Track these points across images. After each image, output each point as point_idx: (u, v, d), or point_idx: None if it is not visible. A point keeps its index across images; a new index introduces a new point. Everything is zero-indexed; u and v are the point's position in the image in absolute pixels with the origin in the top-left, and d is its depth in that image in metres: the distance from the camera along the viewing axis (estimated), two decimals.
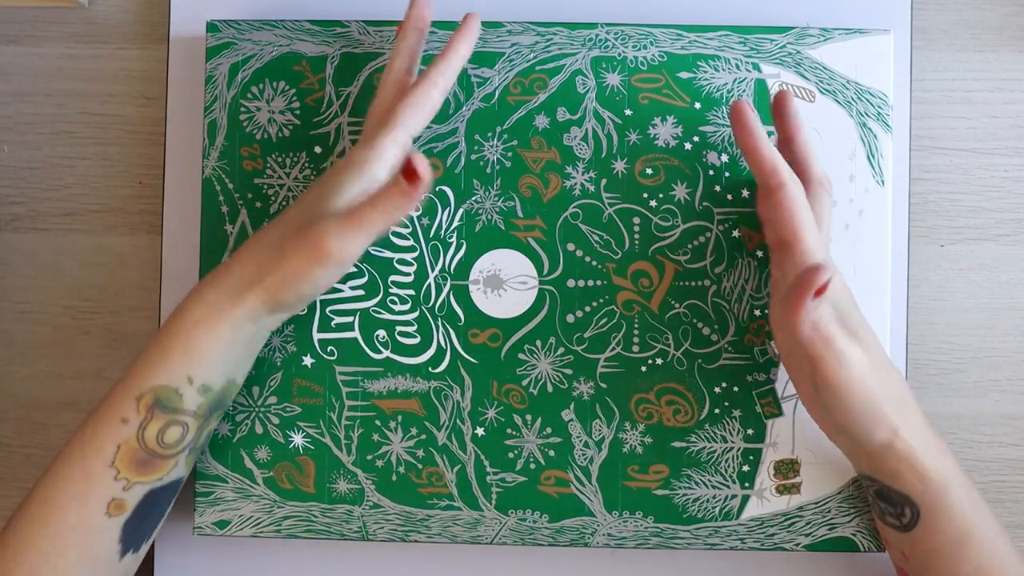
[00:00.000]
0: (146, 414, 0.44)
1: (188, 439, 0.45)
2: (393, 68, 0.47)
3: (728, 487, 0.50)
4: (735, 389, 0.50)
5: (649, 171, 0.50)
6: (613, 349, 0.50)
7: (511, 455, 0.50)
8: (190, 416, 0.45)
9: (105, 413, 0.44)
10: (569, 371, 0.50)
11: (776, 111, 0.48)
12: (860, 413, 0.43)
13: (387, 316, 0.51)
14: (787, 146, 0.48)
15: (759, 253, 0.50)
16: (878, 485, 0.46)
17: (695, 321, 0.50)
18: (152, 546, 0.53)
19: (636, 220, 0.50)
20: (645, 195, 0.50)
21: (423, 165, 0.41)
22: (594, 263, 0.50)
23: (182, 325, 0.44)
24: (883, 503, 0.46)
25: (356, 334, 0.51)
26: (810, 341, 0.42)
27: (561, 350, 0.50)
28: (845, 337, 0.43)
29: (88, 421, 0.45)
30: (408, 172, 0.41)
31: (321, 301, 0.51)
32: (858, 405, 0.43)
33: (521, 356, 0.50)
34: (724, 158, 0.50)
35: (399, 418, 0.50)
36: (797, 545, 0.50)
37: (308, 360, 0.50)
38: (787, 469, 0.50)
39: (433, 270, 0.51)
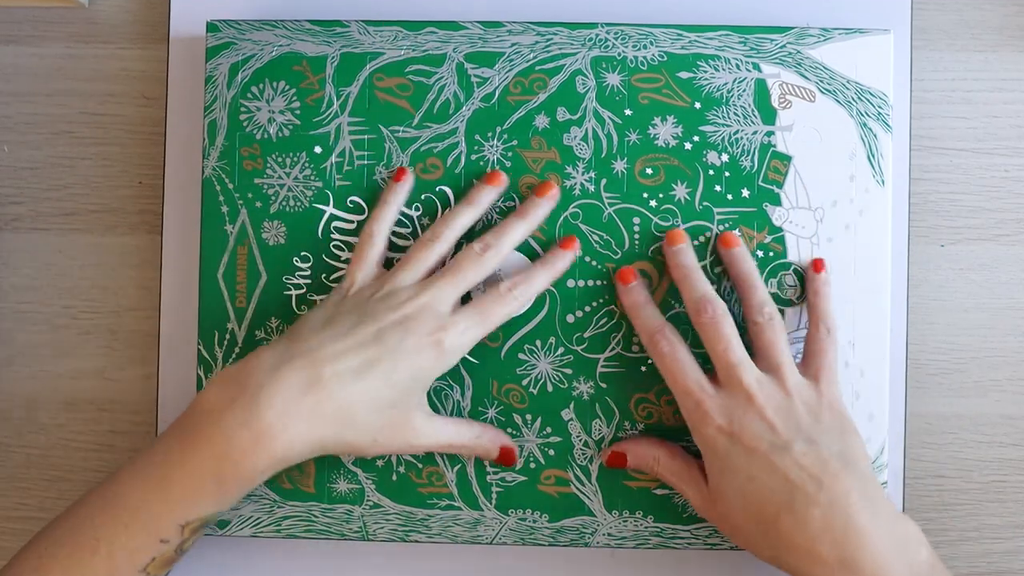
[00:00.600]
0: (190, 535, 0.45)
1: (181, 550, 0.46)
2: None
3: None
4: None
5: (649, 171, 0.50)
6: (613, 349, 0.50)
7: None
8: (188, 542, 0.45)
9: (141, 530, 0.43)
10: (569, 371, 0.50)
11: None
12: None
13: None
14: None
15: (759, 253, 0.50)
16: None
17: None
18: None
19: (636, 220, 0.50)
20: (645, 195, 0.50)
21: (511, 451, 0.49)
22: (594, 263, 0.50)
23: (248, 453, 0.43)
24: None
25: None
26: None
27: (561, 350, 0.50)
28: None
29: (116, 524, 0.43)
30: (505, 457, 0.49)
31: (321, 301, 0.50)
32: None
33: (521, 356, 0.50)
34: (724, 158, 0.50)
35: None
36: None
37: None
38: None
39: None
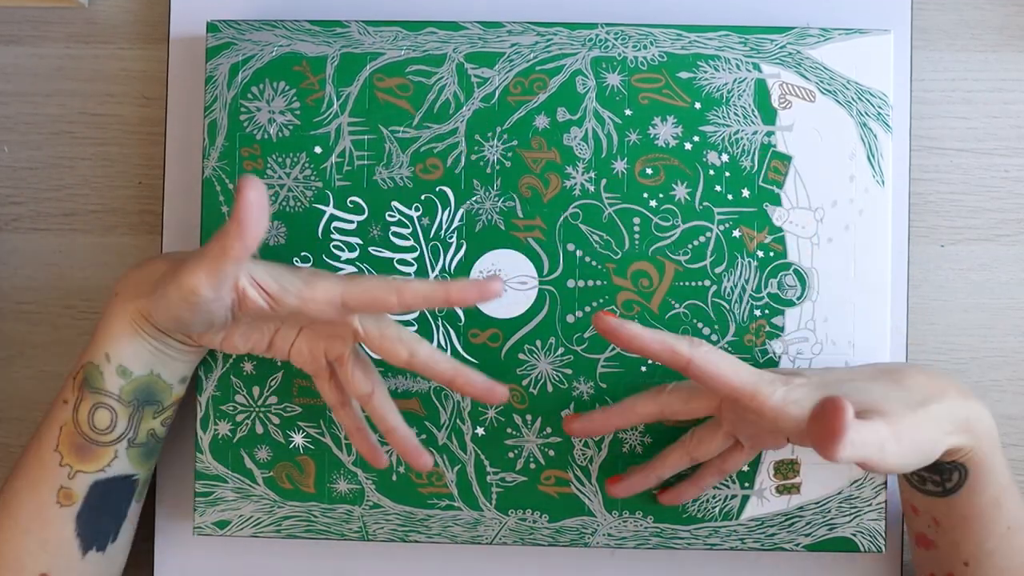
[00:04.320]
0: (78, 393, 0.45)
1: (120, 427, 0.46)
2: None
3: (728, 487, 0.50)
4: None
5: (649, 171, 0.50)
6: (613, 349, 0.50)
7: (511, 455, 0.50)
8: (114, 399, 0.45)
9: (56, 397, 0.46)
10: (569, 371, 0.50)
11: (610, 336, 0.43)
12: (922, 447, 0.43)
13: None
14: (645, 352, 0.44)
15: (759, 253, 0.50)
16: None
17: (695, 321, 0.50)
18: (152, 546, 0.53)
19: (636, 220, 0.50)
20: (645, 195, 0.50)
21: (252, 187, 0.39)
22: (594, 263, 0.50)
23: (105, 303, 0.46)
24: (927, 471, 0.46)
25: None
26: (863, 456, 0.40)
27: (561, 350, 0.50)
28: (880, 430, 0.40)
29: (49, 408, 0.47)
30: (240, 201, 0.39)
31: None
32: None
33: (521, 356, 0.50)
34: (724, 158, 0.50)
35: None
36: (797, 545, 0.50)
37: None
38: (787, 469, 0.50)
39: (433, 270, 0.51)
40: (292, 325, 0.46)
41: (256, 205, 0.39)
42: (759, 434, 0.46)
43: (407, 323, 0.50)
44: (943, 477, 0.45)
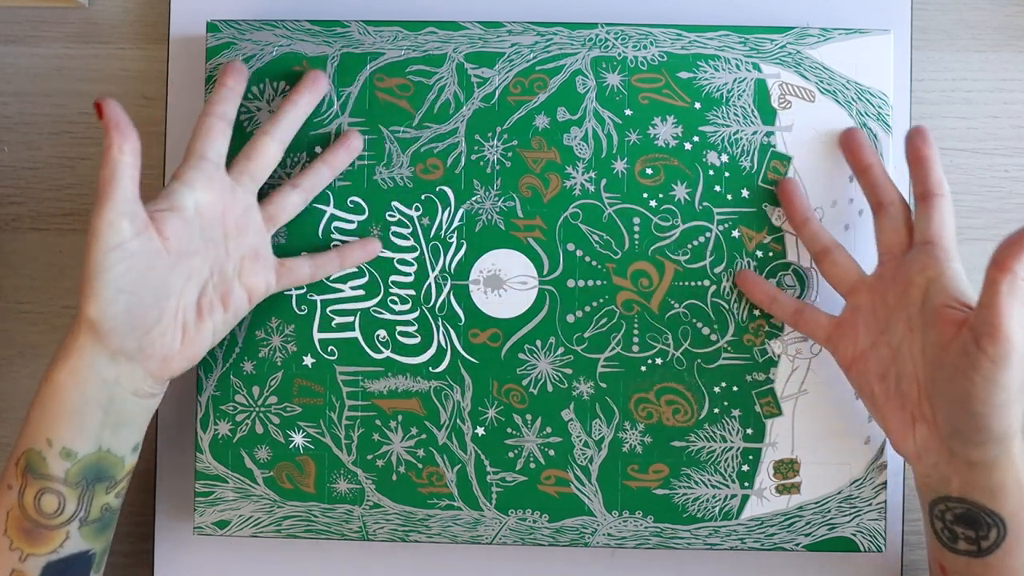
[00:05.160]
0: (21, 480, 0.43)
1: (69, 509, 0.43)
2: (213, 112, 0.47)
3: (728, 487, 0.50)
4: (734, 389, 0.50)
5: (649, 171, 0.50)
6: (613, 349, 0.50)
7: (511, 455, 0.50)
8: (60, 483, 0.43)
9: (0, 480, 0.44)
10: (569, 371, 0.50)
11: (849, 147, 0.49)
12: (998, 405, 0.40)
13: (387, 316, 0.51)
14: (867, 173, 0.49)
15: (758, 253, 0.50)
16: (965, 506, 0.43)
17: (695, 321, 0.50)
18: (152, 546, 0.53)
19: (636, 220, 0.50)
20: (645, 195, 0.50)
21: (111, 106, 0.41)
22: (594, 263, 0.50)
23: (41, 382, 0.43)
24: (962, 527, 0.43)
25: (357, 334, 0.51)
26: (1008, 291, 0.38)
27: (561, 350, 0.50)
28: None
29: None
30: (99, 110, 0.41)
31: (321, 301, 0.51)
32: (1002, 391, 0.40)
33: (521, 356, 0.50)
34: (724, 158, 0.50)
35: (399, 418, 0.50)
36: (797, 545, 0.50)
37: (309, 360, 0.50)
38: (787, 469, 0.50)
39: (433, 270, 0.51)
40: (220, 268, 0.46)
41: (116, 108, 0.40)
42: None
43: (408, 322, 0.50)
44: (979, 534, 0.43)
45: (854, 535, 0.50)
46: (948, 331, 0.42)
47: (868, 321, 0.46)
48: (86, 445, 0.43)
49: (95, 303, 0.42)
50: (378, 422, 0.50)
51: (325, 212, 0.51)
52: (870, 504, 0.50)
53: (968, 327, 0.41)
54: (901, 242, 0.46)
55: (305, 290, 0.51)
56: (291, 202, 0.49)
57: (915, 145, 0.47)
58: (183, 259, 0.44)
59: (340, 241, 0.51)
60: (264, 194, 0.49)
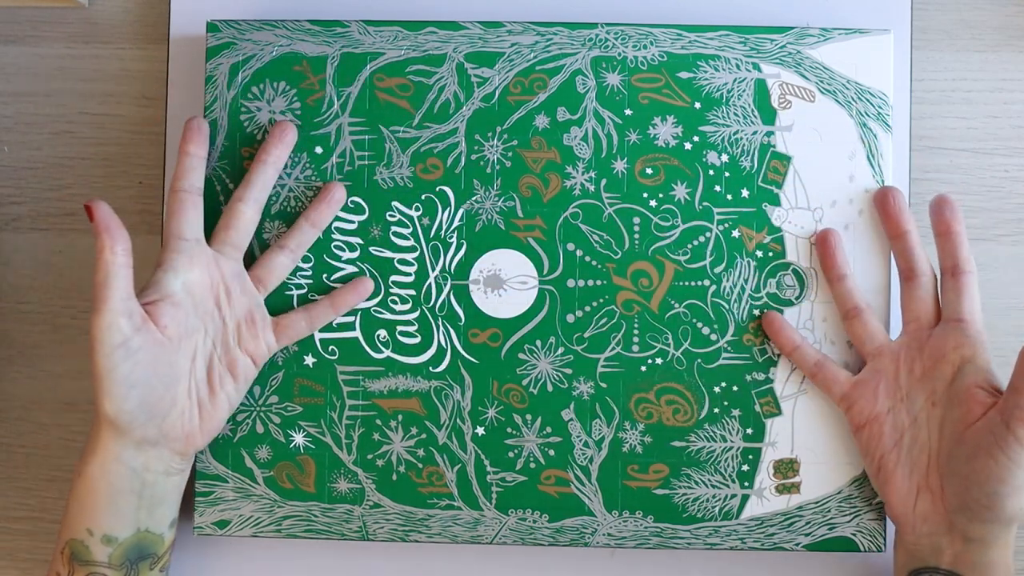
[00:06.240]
0: (69, 566, 0.45)
1: None
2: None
3: (728, 486, 0.50)
4: (734, 388, 0.50)
5: (649, 171, 0.50)
6: (613, 349, 0.50)
7: (511, 455, 0.50)
8: (105, 567, 0.45)
9: (49, 568, 0.47)
10: (569, 371, 0.50)
11: (886, 210, 0.49)
12: (1017, 487, 0.43)
13: (388, 316, 0.51)
14: (902, 240, 0.49)
15: (758, 253, 0.50)
16: None
17: (695, 321, 0.50)
18: None
19: (636, 220, 0.50)
20: (645, 195, 0.50)
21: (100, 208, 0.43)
22: (594, 263, 0.50)
23: (74, 475, 0.46)
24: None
25: (357, 334, 0.51)
26: None
27: (561, 350, 0.50)
28: None
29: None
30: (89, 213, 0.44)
31: None
32: (1022, 473, 0.43)
33: (521, 356, 0.50)
34: (724, 158, 0.50)
35: (399, 417, 0.50)
36: (797, 545, 0.50)
37: (309, 359, 0.51)
38: (787, 468, 0.50)
39: (434, 270, 0.51)
40: (222, 338, 0.48)
41: (106, 211, 0.43)
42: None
43: (408, 322, 0.50)
44: None
45: (854, 535, 0.50)
46: (975, 411, 0.45)
47: (889, 386, 0.48)
48: (125, 529, 0.46)
49: (109, 401, 0.44)
50: (378, 422, 0.50)
51: None
52: (870, 504, 0.50)
53: (998, 409, 0.43)
54: (928, 312, 0.48)
55: (306, 290, 0.51)
56: (279, 264, 0.49)
57: (944, 219, 0.48)
58: (184, 341, 0.46)
59: (341, 242, 0.51)
60: (254, 258, 0.50)
